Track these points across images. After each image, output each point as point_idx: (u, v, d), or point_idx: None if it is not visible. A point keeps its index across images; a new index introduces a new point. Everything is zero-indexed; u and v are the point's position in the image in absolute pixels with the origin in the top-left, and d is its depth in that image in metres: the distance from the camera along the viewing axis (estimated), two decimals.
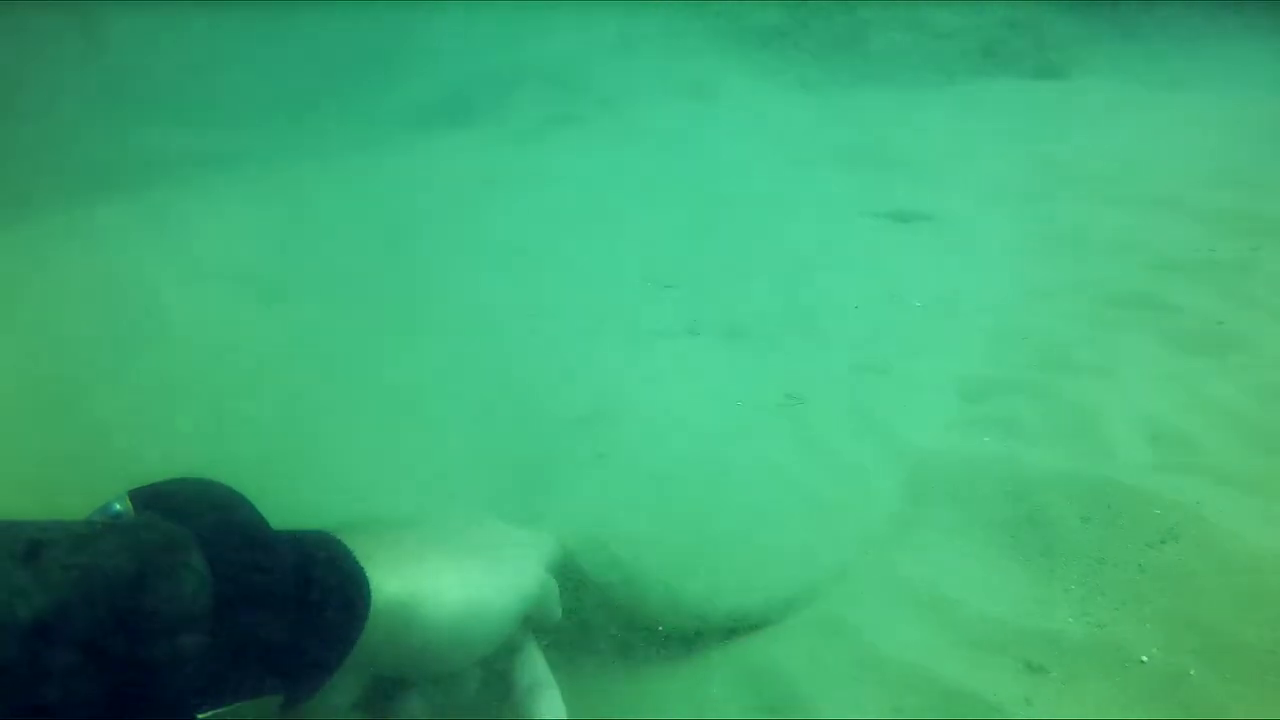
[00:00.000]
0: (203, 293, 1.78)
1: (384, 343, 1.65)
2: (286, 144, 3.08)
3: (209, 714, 0.57)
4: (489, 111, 3.39)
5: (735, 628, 1.07)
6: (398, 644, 0.69)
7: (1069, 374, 1.52)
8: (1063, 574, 1.10)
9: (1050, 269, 1.95)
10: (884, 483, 1.28)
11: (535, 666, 0.83)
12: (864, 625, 1.06)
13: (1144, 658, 0.97)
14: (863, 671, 1.01)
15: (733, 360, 1.63)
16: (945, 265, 2.03)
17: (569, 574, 1.06)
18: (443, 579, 0.73)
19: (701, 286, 1.93)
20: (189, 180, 2.58)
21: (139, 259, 1.91)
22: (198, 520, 0.58)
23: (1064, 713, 0.93)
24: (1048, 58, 3.88)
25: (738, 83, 3.76)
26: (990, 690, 0.96)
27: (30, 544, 0.50)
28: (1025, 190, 2.47)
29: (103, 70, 3.57)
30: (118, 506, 0.60)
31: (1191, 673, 0.95)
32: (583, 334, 1.73)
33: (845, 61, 3.96)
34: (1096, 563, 1.10)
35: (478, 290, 1.90)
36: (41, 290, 1.77)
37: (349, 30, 4.08)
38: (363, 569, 0.67)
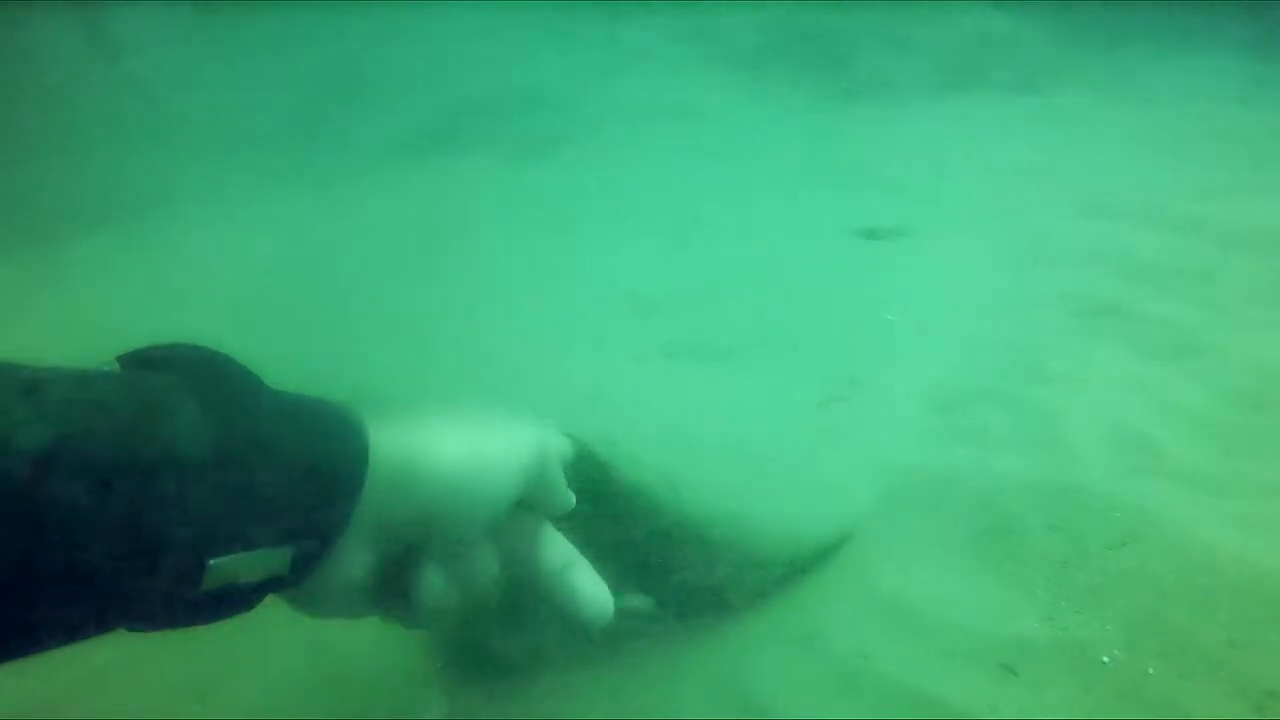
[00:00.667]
0: (186, 326, 1.81)
1: (374, 375, 1.67)
2: (272, 173, 3.12)
3: (220, 559, 0.55)
4: (476, 138, 3.43)
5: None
6: (400, 501, 0.67)
7: (1037, 383, 1.55)
8: (1029, 580, 1.12)
9: (1022, 280, 1.98)
10: (857, 495, 1.31)
11: (560, 547, 0.80)
12: (834, 636, 1.08)
13: (1105, 658, 1.00)
14: (833, 683, 1.03)
15: (709, 379, 1.66)
16: (919, 280, 2.06)
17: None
18: (442, 437, 0.70)
19: (680, 307, 1.97)
20: (180, 211, 2.61)
21: (120, 291, 1.93)
22: (190, 375, 0.56)
23: (1030, 715, 0.95)
24: (1025, 74, 3.93)
25: (720, 103, 3.81)
26: (958, 696, 0.98)
27: (30, 381, 0.49)
28: (1000, 204, 2.51)
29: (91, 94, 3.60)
30: (105, 366, 0.57)
31: (1151, 671, 0.98)
32: (556, 359, 1.77)
33: (826, 80, 4.01)
34: (1061, 567, 1.12)
35: (459, 322, 1.93)
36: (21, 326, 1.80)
37: (335, 57, 4.12)
38: (363, 423, 0.65)
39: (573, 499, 0.82)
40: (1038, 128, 3.36)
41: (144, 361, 0.58)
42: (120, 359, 0.58)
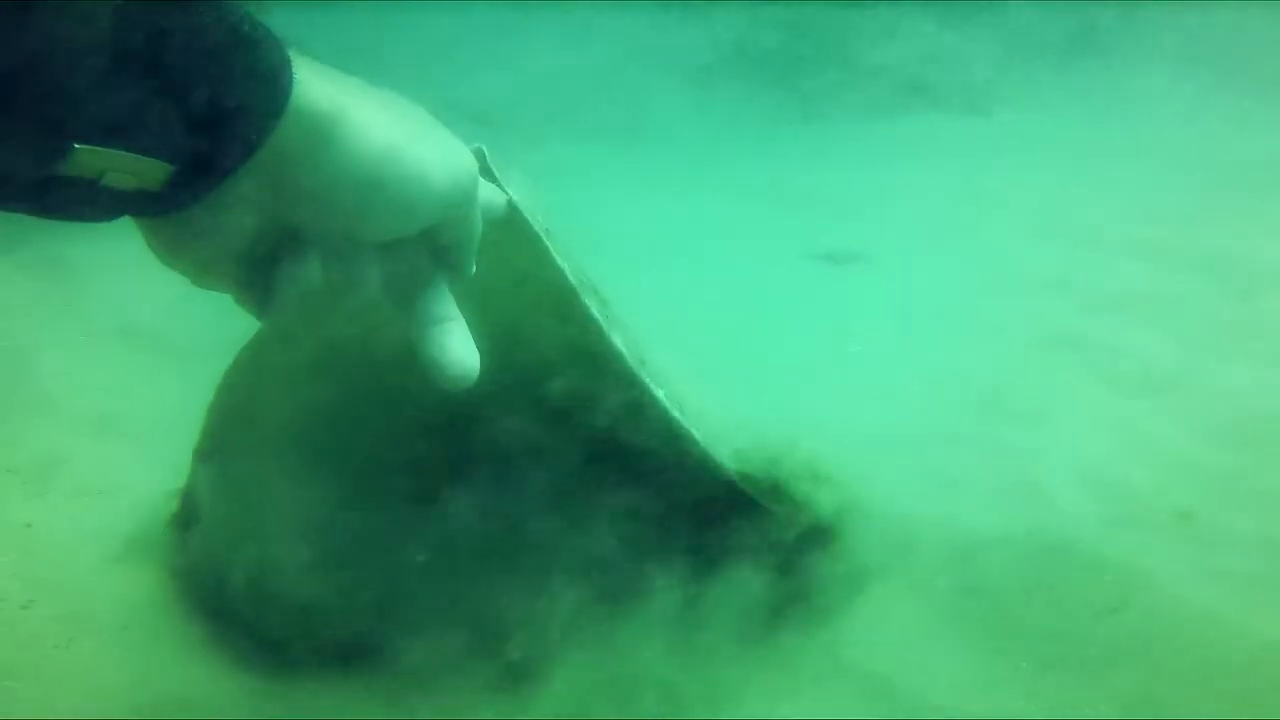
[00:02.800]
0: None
1: None
2: None
3: (87, 147, 0.48)
4: None
5: None
6: (310, 166, 0.58)
7: (1004, 422, 1.47)
8: (1009, 649, 1.03)
9: (983, 309, 1.91)
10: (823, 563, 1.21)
11: (445, 300, 0.72)
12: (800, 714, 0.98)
13: None
14: None
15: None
16: (878, 309, 1.98)
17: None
18: (385, 115, 0.62)
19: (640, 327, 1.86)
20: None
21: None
22: None
23: None
24: (976, 94, 3.90)
25: (671, 122, 3.72)
26: None
27: None
28: (956, 228, 2.44)
29: None
30: None
31: None
32: None
33: (778, 100, 3.94)
34: (1044, 636, 1.03)
35: None
36: None
37: None
38: (294, 67, 0.56)
39: (473, 267, 0.75)
40: (991, 149, 3.31)
41: None
42: None
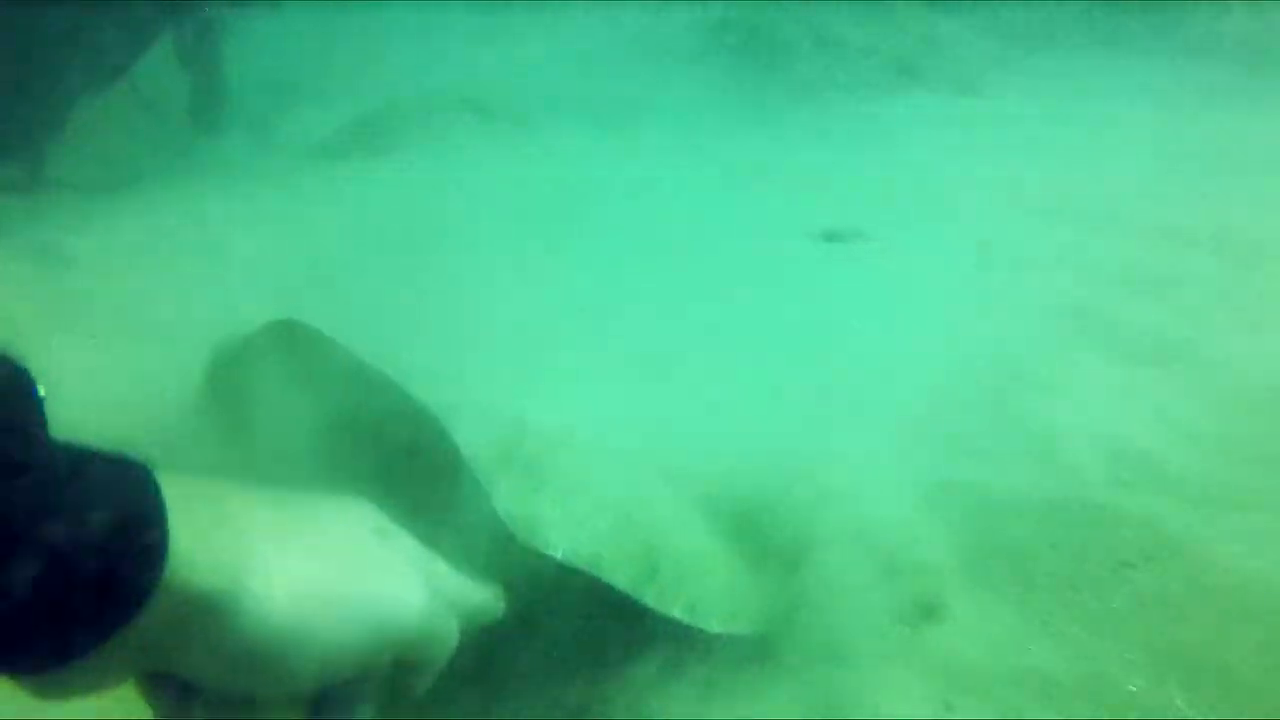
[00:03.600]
0: None
1: None
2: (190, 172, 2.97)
3: None
4: (407, 139, 3.30)
5: None
6: (189, 644, 0.53)
7: (1022, 393, 1.50)
8: (1038, 604, 1.06)
9: (989, 285, 1.94)
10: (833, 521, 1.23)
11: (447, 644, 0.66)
12: (847, 678, 1.01)
13: (1132, 688, 0.94)
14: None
15: (681, 393, 1.57)
16: (885, 285, 2.01)
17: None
18: (278, 573, 0.56)
19: (642, 313, 1.88)
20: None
21: None
22: None
23: None
24: (966, 75, 3.94)
25: (664, 103, 3.73)
26: None
27: None
28: (954, 207, 2.47)
29: None
30: None
31: (1179, 703, 0.92)
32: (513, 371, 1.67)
33: (769, 81, 3.97)
34: (1071, 591, 1.06)
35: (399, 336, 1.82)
36: None
37: (269, 55, 3.96)
38: (163, 526, 0.51)
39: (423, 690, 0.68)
40: (982, 129, 3.35)
41: None
42: None
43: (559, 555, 0.79)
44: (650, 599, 0.87)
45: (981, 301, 1.86)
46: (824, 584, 1.10)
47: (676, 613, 0.89)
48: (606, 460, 1.17)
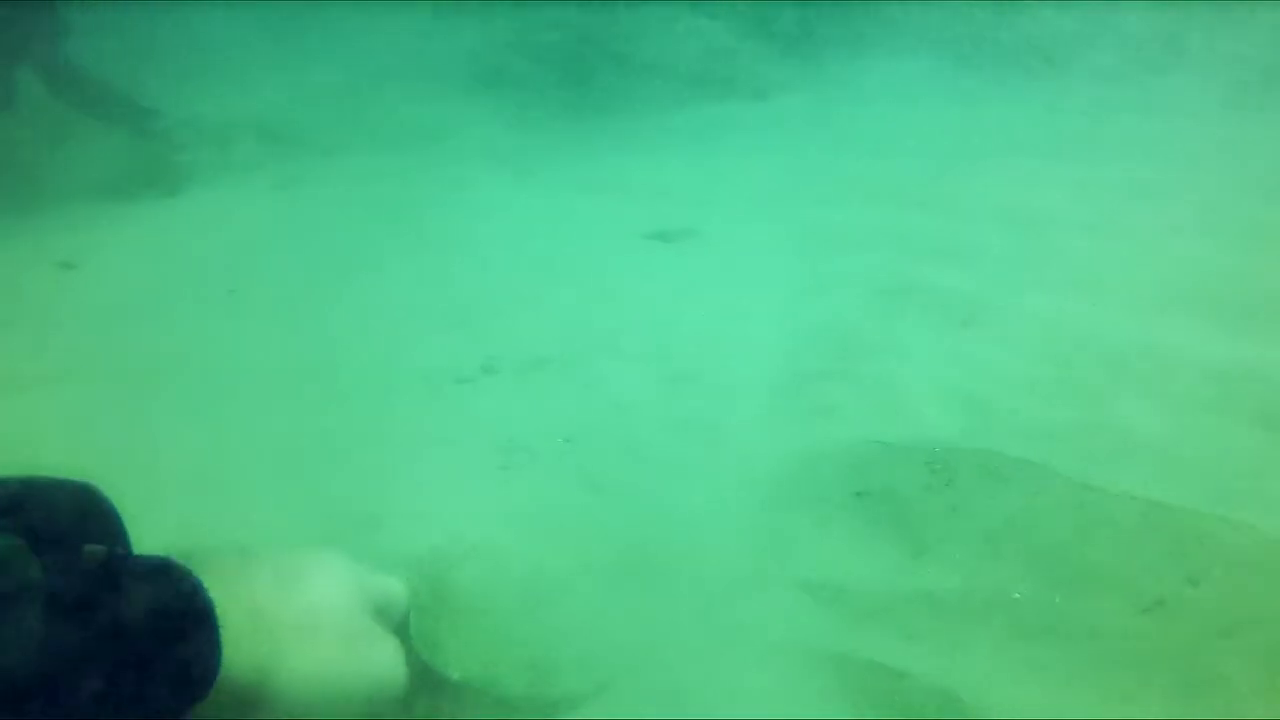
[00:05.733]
0: None
1: None
2: None
3: None
4: (199, 178, 3.16)
5: None
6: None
7: (865, 358, 1.64)
8: (917, 537, 1.17)
9: (817, 266, 2.08)
10: (732, 483, 1.31)
11: None
12: (755, 619, 1.08)
13: (1017, 595, 1.06)
14: (757, 658, 1.02)
15: (540, 393, 1.62)
16: (723, 274, 2.12)
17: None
18: (309, 662, 0.66)
19: (490, 322, 1.91)
20: None
21: None
22: (55, 549, 0.51)
23: (962, 664, 0.99)
24: (749, 83, 4.16)
25: (463, 124, 3.74)
26: (889, 657, 1.01)
27: None
28: (768, 201, 2.62)
29: None
30: None
31: (1058, 600, 1.05)
32: (374, 386, 1.67)
33: (568, 98, 4.05)
34: (949, 519, 1.18)
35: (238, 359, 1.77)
36: None
37: None
38: (217, 637, 0.59)
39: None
40: (773, 130, 3.56)
41: (15, 500, 0.52)
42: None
43: None
44: None
45: (812, 281, 2.00)
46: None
47: None
48: None
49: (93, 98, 3.31)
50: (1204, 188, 2.29)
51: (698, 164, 3.06)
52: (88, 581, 0.51)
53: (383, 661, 0.74)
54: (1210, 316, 1.69)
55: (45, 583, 0.49)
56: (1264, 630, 0.98)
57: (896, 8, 4.60)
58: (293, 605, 0.69)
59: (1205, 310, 1.71)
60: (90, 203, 3.02)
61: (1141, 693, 0.93)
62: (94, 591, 0.51)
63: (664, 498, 1.29)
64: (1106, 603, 1.04)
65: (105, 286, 2.30)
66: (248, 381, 1.74)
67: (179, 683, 0.56)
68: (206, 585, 0.59)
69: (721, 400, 1.55)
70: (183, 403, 1.68)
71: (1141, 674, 0.95)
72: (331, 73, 4.03)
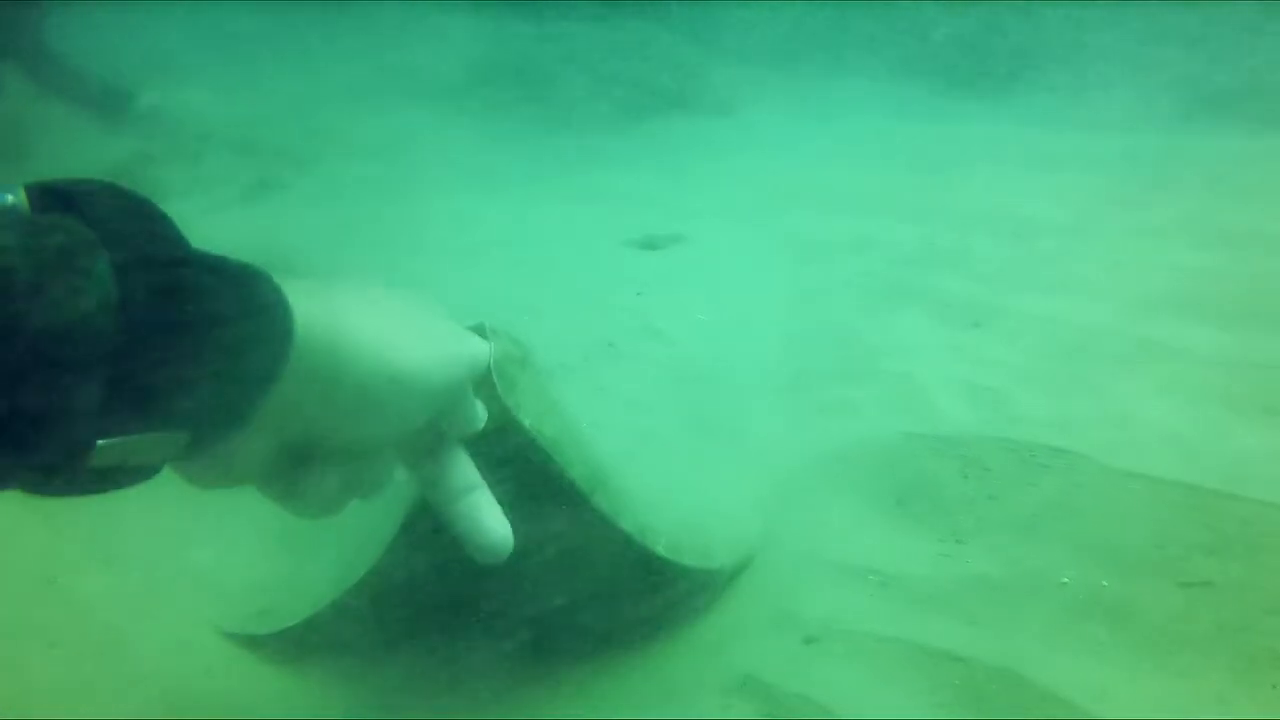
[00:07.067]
0: None
1: None
2: None
3: (108, 441, 0.49)
4: (177, 187, 3.09)
5: None
6: (317, 396, 0.60)
7: (874, 357, 1.64)
8: (962, 526, 1.17)
9: (809, 272, 2.10)
10: (763, 476, 1.31)
11: (467, 470, 0.74)
12: (809, 609, 1.07)
13: (1065, 579, 1.06)
14: (813, 647, 1.02)
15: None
16: (715, 280, 2.12)
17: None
18: (377, 333, 0.64)
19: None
20: None
21: None
22: (107, 225, 0.49)
23: (1019, 645, 0.99)
24: (716, 98, 4.20)
25: (437, 137, 3.71)
26: (947, 643, 1.00)
27: None
28: (750, 209, 2.64)
29: None
30: (9, 198, 0.49)
31: (1105, 584, 1.05)
32: None
33: (533, 113, 4.04)
34: (987, 507, 1.18)
35: None
36: None
37: None
38: (290, 307, 0.58)
39: (483, 421, 0.77)
40: (748, 143, 3.59)
41: (58, 196, 0.51)
42: (30, 191, 0.50)
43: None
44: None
45: (808, 286, 2.01)
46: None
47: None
48: None
49: (72, 95, 3.37)
50: (1179, 196, 2.35)
51: (676, 176, 3.07)
52: (161, 273, 0.50)
53: (473, 341, 0.74)
54: (1200, 314, 1.74)
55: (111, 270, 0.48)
56: None
57: (867, 27, 4.69)
58: (375, 299, 0.68)
59: (1194, 308, 1.76)
60: None
61: (1201, 668, 0.94)
62: (169, 282, 0.50)
63: (693, 493, 1.27)
64: (1153, 584, 1.05)
65: None
66: None
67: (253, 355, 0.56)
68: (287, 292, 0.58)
69: (737, 399, 1.54)
70: None
71: (1198, 651, 0.96)
72: (302, 84, 3.99)
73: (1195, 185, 2.42)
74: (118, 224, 0.50)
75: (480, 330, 0.79)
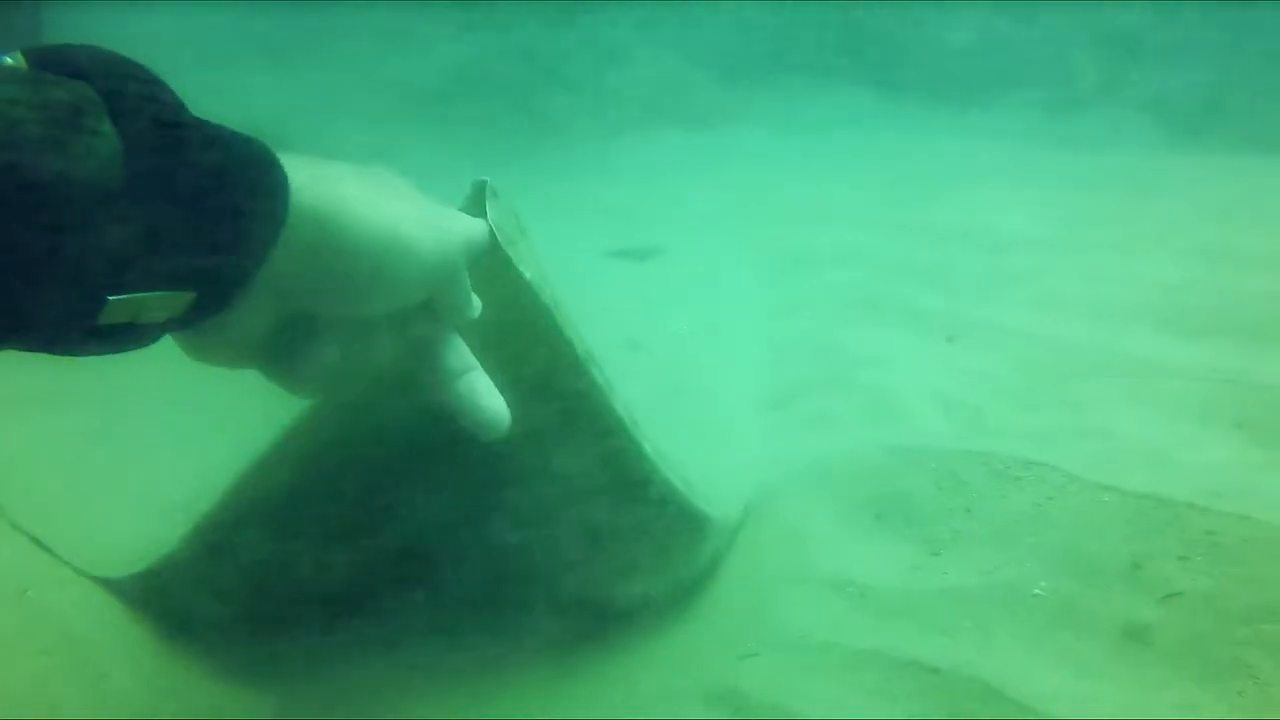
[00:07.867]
0: None
1: None
2: None
3: (119, 297, 0.51)
4: None
5: None
6: (315, 263, 0.61)
7: (852, 368, 1.65)
8: (930, 536, 1.18)
9: (787, 283, 2.11)
10: (743, 484, 1.31)
11: (462, 351, 0.75)
12: (786, 621, 1.07)
13: (1038, 590, 1.07)
14: (796, 657, 1.02)
15: None
16: (693, 291, 2.13)
17: None
18: (374, 201, 0.64)
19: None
20: None
21: None
22: (108, 85, 0.50)
23: (994, 657, 0.99)
24: (698, 112, 4.23)
25: (418, 150, 3.70)
26: (923, 654, 1.01)
27: None
28: (728, 221, 2.66)
29: None
30: (8, 60, 0.49)
31: (1077, 594, 1.06)
32: None
33: (516, 123, 4.05)
34: (962, 520, 1.19)
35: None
36: None
37: None
38: (285, 170, 0.58)
39: (477, 310, 0.77)
40: (727, 156, 3.62)
41: (57, 62, 0.51)
42: (28, 54, 0.50)
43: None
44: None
45: (786, 298, 2.02)
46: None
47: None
48: None
49: None
50: (1156, 212, 2.38)
51: (655, 187, 3.08)
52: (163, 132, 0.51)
53: (472, 223, 0.75)
54: (1176, 329, 1.76)
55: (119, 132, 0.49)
56: None
57: (845, 43, 4.73)
58: (370, 176, 0.68)
59: (1171, 323, 1.78)
60: None
61: (1174, 680, 0.95)
62: (171, 140, 0.51)
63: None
64: (1127, 596, 1.05)
65: None
66: None
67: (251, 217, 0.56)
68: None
69: (716, 410, 1.55)
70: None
71: (1171, 662, 0.97)
72: (280, 97, 3.98)
73: (1172, 201, 2.45)
74: (117, 84, 0.51)
75: (482, 188, 0.81)
